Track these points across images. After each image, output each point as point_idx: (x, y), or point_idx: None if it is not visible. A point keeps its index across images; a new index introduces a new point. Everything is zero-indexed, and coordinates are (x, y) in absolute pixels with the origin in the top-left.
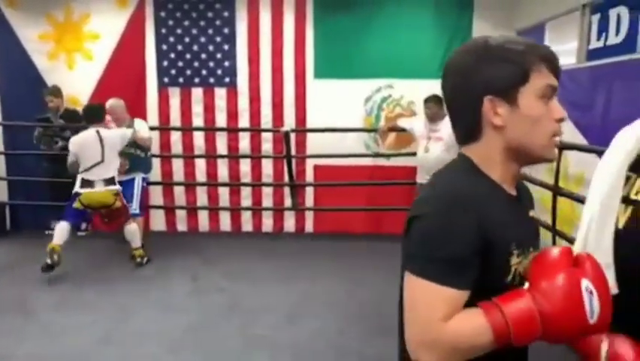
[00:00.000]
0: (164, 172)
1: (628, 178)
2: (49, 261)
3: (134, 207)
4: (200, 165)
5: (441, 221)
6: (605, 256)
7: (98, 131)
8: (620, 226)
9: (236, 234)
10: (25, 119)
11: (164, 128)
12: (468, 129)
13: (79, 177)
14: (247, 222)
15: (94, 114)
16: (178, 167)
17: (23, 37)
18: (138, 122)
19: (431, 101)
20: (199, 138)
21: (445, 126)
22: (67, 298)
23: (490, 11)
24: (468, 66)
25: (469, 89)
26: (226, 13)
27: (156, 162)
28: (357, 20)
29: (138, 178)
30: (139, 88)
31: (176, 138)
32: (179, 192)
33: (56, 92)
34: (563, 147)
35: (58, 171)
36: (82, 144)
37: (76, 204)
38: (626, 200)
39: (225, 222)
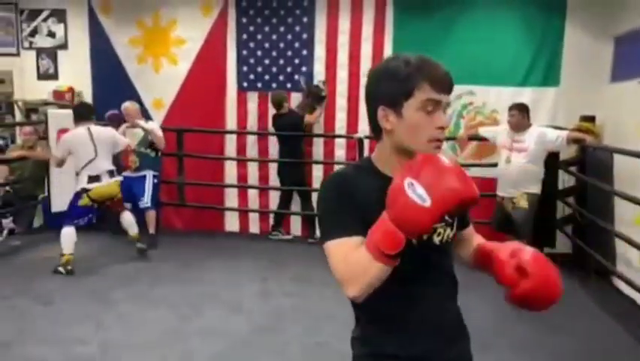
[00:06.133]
0: (239, 175)
1: None
2: (62, 270)
3: (146, 200)
4: (274, 169)
5: (321, 198)
6: None
7: (88, 129)
8: None
9: (307, 238)
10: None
11: (240, 133)
12: (374, 131)
13: (83, 175)
14: (318, 228)
15: (84, 113)
16: (253, 170)
17: (115, 42)
18: (151, 125)
19: (515, 109)
20: (274, 142)
21: (530, 136)
22: (141, 292)
23: (584, 15)
24: (371, 82)
25: (371, 100)
26: (305, 19)
27: (232, 165)
28: (438, 24)
29: (149, 175)
30: (219, 92)
31: (252, 141)
32: (252, 194)
33: None
34: None
35: None
36: (74, 141)
37: (83, 202)
38: None
39: (296, 226)
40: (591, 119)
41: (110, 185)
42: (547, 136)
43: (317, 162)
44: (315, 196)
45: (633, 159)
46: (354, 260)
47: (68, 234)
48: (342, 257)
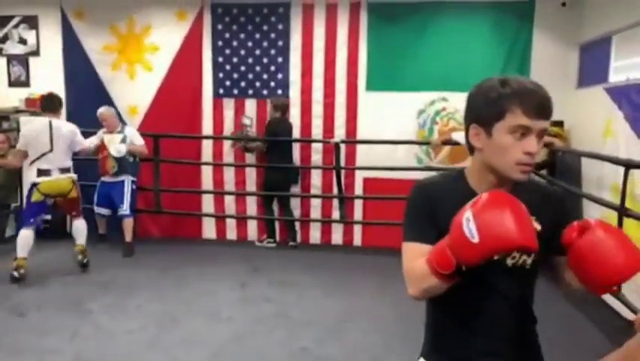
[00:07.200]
0: (215, 181)
1: None
2: (16, 274)
3: (125, 208)
4: (251, 174)
5: (409, 201)
6: None
7: (50, 121)
8: None
9: (285, 244)
10: (90, 126)
11: (217, 138)
12: (467, 146)
13: (33, 168)
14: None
15: (51, 104)
16: (229, 176)
17: (89, 48)
18: (130, 130)
19: None
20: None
21: None
22: (118, 302)
23: (551, 23)
24: (468, 98)
25: (465, 117)
26: (281, 26)
27: (208, 171)
28: (412, 32)
29: (127, 180)
30: (195, 98)
31: (228, 147)
32: (229, 200)
33: None
34: (630, 165)
35: None
36: (32, 130)
37: (34, 197)
38: None
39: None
40: (560, 123)
41: (59, 180)
42: None
43: (294, 167)
44: (292, 202)
45: (599, 162)
46: (417, 266)
47: (25, 237)
48: (410, 259)
